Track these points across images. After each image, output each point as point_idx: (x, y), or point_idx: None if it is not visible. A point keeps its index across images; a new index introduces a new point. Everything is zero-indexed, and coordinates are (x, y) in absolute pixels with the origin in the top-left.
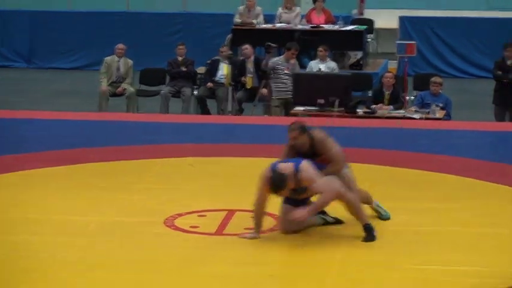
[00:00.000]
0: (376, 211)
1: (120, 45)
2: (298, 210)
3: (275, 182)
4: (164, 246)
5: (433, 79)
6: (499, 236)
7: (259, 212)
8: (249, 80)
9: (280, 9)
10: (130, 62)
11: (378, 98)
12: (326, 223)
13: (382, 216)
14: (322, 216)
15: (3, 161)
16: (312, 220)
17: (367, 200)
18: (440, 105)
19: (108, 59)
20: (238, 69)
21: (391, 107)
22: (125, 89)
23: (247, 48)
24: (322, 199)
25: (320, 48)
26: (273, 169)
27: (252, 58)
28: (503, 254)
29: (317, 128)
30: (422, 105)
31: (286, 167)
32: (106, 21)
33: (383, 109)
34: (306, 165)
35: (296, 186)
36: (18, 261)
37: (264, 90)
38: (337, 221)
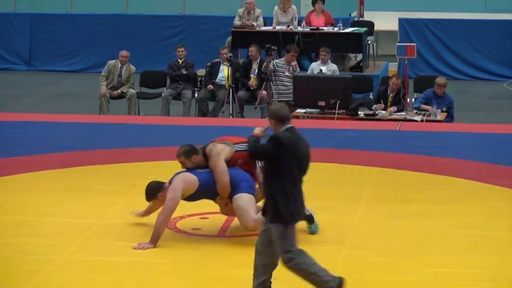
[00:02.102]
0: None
1: (124, 53)
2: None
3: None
4: (166, 248)
5: (437, 80)
6: (501, 238)
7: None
8: (253, 80)
9: (276, 8)
10: (133, 68)
11: (382, 99)
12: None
13: (311, 230)
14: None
15: (3, 164)
16: None
17: None
18: (444, 108)
19: (111, 63)
20: (244, 70)
21: (395, 108)
22: (122, 92)
23: (252, 50)
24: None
25: (323, 52)
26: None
27: (258, 60)
28: (506, 256)
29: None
30: (426, 101)
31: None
32: (106, 23)
33: (388, 111)
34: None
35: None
36: (19, 263)
37: (264, 93)
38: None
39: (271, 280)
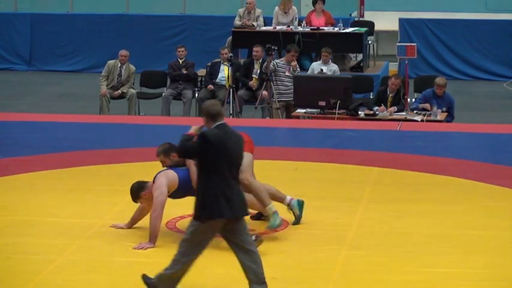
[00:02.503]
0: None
1: (124, 52)
2: None
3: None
4: (167, 248)
5: (437, 80)
6: (502, 238)
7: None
8: (255, 81)
9: (276, 8)
10: (133, 68)
11: (381, 99)
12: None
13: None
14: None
15: (3, 164)
16: None
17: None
18: (444, 108)
19: (110, 62)
20: (245, 69)
21: (395, 108)
22: (123, 92)
23: (257, 51)
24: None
25: (325, 53)
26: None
27: (261, 60)
28: (506, 256)
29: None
30: (425, 102)
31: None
32: (106, 23)
33: (388, 111)
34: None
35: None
36: (20, 263)
37: (265, 93)
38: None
39: (264, 275)
